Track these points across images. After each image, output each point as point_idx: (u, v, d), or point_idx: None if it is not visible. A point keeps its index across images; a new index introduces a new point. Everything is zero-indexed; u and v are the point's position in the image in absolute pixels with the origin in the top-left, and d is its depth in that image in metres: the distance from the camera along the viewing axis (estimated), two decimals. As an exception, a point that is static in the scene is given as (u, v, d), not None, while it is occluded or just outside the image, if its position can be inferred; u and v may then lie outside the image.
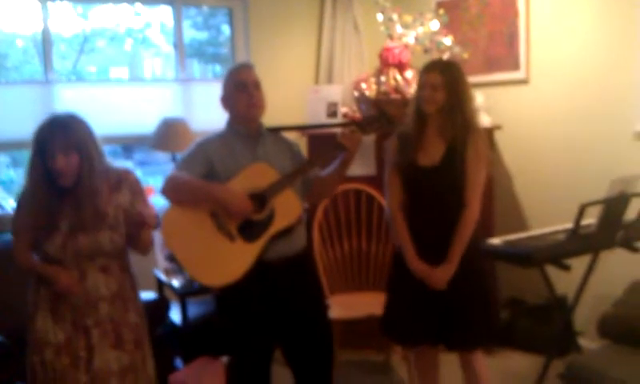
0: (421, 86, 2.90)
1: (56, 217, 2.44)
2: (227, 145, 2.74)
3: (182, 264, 2.69)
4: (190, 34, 5.37)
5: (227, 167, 2.68)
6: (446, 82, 2.84)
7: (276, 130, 2.94)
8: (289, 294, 2.75)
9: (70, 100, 4.37)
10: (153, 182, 5.00)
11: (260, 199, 2.64)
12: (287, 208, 2.68)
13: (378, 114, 2.84)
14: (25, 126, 4.16)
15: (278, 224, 2.65)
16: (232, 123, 2.81)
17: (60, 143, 2.38)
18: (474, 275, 2.92)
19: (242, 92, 2.73)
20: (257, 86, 2.77)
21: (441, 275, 2.85)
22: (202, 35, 5.90)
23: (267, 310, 2.73)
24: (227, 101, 2.81)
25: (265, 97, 2.80)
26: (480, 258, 3.00)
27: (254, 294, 2.69)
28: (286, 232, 2.69)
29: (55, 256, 2.44)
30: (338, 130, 3.05)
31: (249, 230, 2.63)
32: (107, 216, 2.48)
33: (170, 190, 2.67)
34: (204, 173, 2.68)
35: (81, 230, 2.44)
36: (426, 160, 2.90)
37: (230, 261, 2.62)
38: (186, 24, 5.02)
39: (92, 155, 2.44)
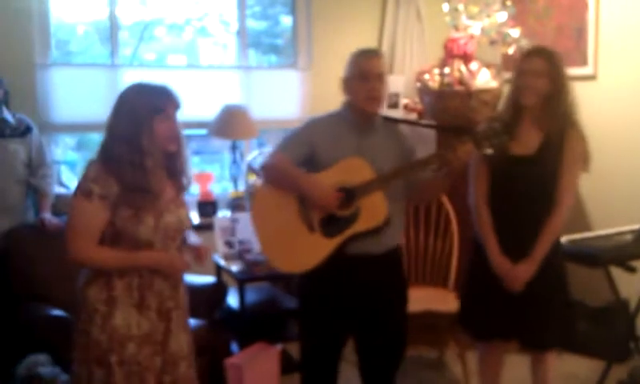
0: (521, 72, 2.74)
1: (155, 193, 2.31)
2: (334, 130, 2.68)
3: (260, 243, 2.73)
4: (248, 23, 5.40)
5: (329, 154, 2.63)
6: (550, 69, 2.69)
7: (392, 122, 2.85)
8: (371, 290, 2.70)
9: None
10: (209, 169, 5.05)
11: (348, 196, 2.58)
12: (372, 211, 2.59)
13: (500, 128, 2.55)
14: (90, 109, 4.32)
15: (360, 225, 2.59)
16: (346, 108, 2.72)
17: (176, 106, 2.34)
18: (555, 274, 2.82)
19: (363, 82, 2.60)
20: (380, 77, 2.63)
21: (521, 273, 2.74)
22: (261, 25, 5.92)
23: (343, 302, 2.69)
24: (347, 85, 2.69)
25: (386, 88, 2.68)
26: (561, 258, 2.89)
27: (334, 285, 2.66)
28: (370, 234, 2.60)
29: (147, 239, 2.30)
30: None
31: (330, 224, 2.60)
32: (188, 181, 2.49)
33: (267, 170, 2.72)
34: (305, 155, 2.66)
35: (166, 208, 2.35)
36: (519, 149, 2.75)
37: (304, 251, 2.61)
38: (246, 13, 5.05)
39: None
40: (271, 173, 2.71)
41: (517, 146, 2.74)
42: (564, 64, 2.78)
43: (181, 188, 2.47)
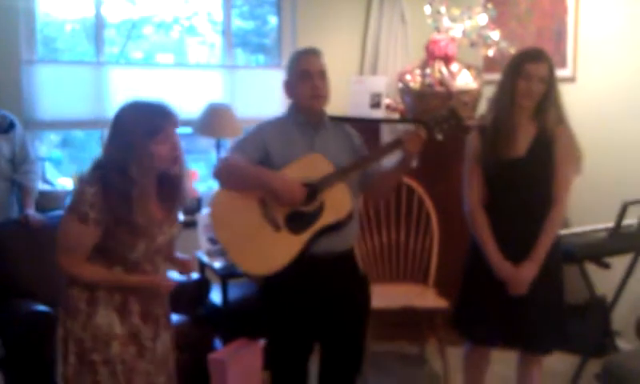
0: (527, 76, 2.69)
1: (142, 218, 2.27)
2: (285, 132, 2.67)
3: (225, 248, 2.65)
4: (236, 23, 5.44)
5: (282, 155, 2.61)
6: (550, 73, 2.70)
7: (339, 120, 2.83)
8: (333, 291, 2.68)
9: (119, 83, 4.48)
10: (195, 167, 5.08)
11: (311, 191, 2.56)
12: (337, 203, 2.57)
13: (448, 114, 2.60)
14: (75, 107, 4.35)
15: (326, 218, 2.56)
16: (293, 110, 2.72)
17: (176, 125, 2.28)
18: (553, 277, 2.82)
19: (305, 81, 2.61)
20: (322, 75, 2.63)
21: (525, 275, 2.73)
22: (248, 25, 5.95)
23: (310, 305, 2.66)
24: (290, 87, 2.70)
25: (328, 85, 2.67)
26: (559, 260, 2.89)
27: (299, 288, 2.63)
28: (336, 227, 2.58)
29: (136, 260, 2.32)
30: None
31: (296, 221, 2.56)
32: (183, 202, 2.49)
33: (223, 173, 2.64)
34: (259, 158, 2.62)
35: (158, 229, 2.34)
36: (511, 152, 2.76)
37: (273, 251, 2.55)
38: (233, 13, 5.09)
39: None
40: (229, 174, 2.63)
41: (509, 148, 2.76)
42: None
43: (175, 207, 2.44)
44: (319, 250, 2.59)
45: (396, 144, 2.59)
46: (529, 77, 2.70)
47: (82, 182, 2.27)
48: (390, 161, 2.68)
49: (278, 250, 2.55)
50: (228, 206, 2.63)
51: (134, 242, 2.27)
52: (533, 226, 2.75)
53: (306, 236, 2.56)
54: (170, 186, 2.39)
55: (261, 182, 2.57)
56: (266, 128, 2.71)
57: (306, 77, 2.62)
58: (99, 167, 2.26)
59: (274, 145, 2.64)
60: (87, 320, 2.29)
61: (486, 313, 2.87)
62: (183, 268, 2.59)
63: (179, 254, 2.61)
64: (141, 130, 2.21)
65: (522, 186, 2.77)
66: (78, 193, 2.24)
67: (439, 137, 2.58)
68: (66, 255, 2.28)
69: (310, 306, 2.67)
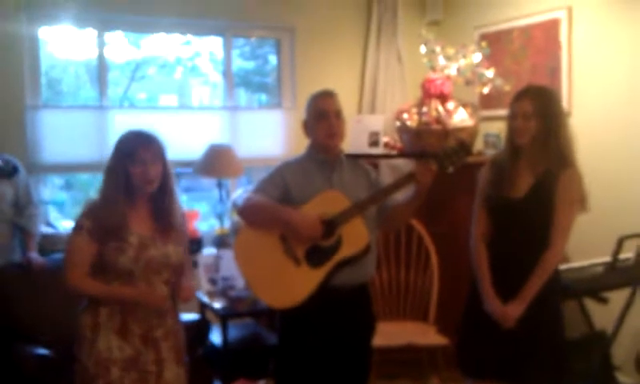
0: (512, 115, 2.76)
1: (127, 228, 2.47)
2: (304, 170, 2.81)
3: (248, 283, 2.82)
4: (237, 63, 5.53)
5: (302, 192, 2.74)
6: (539, 109, 2.70)
7: (354, 157, 2.98)
8: (347, 324, 2.78)
9: (121, 125, 4.52)
10: (198, 207, 5.13)
11: (329, 226, 2.67)
12: (354, 237, 2.69)
13: (458, 146, 2.69)
14: (78, 150, 4.41)
15: (344, 252, 2.67)
16: (311, 149, 2.86)
17: (153, 151, 2.49)
18: (547, 318, 2.81)
19: (322, 121, 2.77)
20: (338, 114, 2.80)
21: (511, 312, 2.74)
22: (249, 65, 6.05)
23: (326, 338, 2.75)
24: (308, 127, 2.85)
25: (344, 124, 2.84)
26: (555, 301, 2.87)
27: (318, 320, 2.72)
28: (354, 260, 2.70)
29: (127, 269, 2.45)
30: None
31: (315, 255, 2.68)
32: (175, 230, 2.58)
33: (246, 211, 2.78)
34: (280, 196, 2.75)
35: (151, 243, 2.50)
36: (512, 192, 2.78)
37: (294, 285, 2.68)
38: (234, 54, 5.17)
39: (170, 167, 2.57)
40: (251, 213, 2.77)
41: (511, 188, 2.79)
42: (557, 101, 2.82)
43: (168, 226, 2.56)
44: (337, 282, 2.70)
45: (409, 178, 2.70)
46: (514, 115, 2.76)
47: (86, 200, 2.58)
48: (405, 195, 2.80)
49: (298, 284, 2.68)
50: (251, 242, 2.78)
51: (123, 247, 2.44)
52: (528, 266, 2.76)
53: (325, 269, 2.68)
54: (162, 209, 2.55)
55: (281, 219, 2.69)
56: (286, 167, 2.85)
57: (322, 117, 2.77)
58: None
59: (294, 183, 2.77)
60: (91, 347, 2.45)
61: (482, 348, 2.88)
62: (181, 292, 2.64)
63: (185, 280, 2.69)
64: (121, 153, 2.50)
65: (518, 226, 2.79)
66: (79, 214, 2.52)
67: (450, 169, 2.67)
68: (68, 271, 2.47)
69: (325, 340, 2.75)
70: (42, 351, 3.35)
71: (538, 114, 2.71)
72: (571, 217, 2.78)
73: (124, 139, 2.53)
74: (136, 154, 2.46)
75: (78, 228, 2.46)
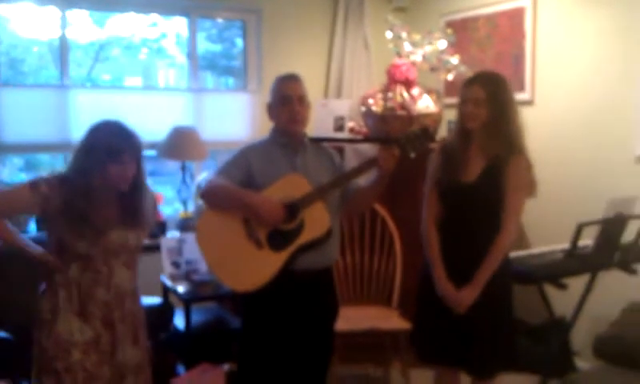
0: (463, 100, 2.79)
1: (90, 214, 2.41)
2: (268, 153, 2.80)
3: (209, 266, 2.81)
4: (204, 45, 5.47)
5: (265, 176, 2.74)
6: (489, 95, 2.73)
7: (319, 141, 2.99)
8: (311, 308, 2.80)
9: (84, 106, 4.47)
10: (162, 190, 5.08)
11: (291, 210, 2.68)
12: (316, 221, 2.70)
13: (420, 132, 2.69)
14: (39, 130, 4.33)
15: (306, 236, 2.69)
16: (274, 132, 2.86)
17: (133, 151, 2.44)
18: (499, 301, 2.85)
19: (285, 105, 2.76)
20: (301, 100, 2.79)
21: (464, 298, 2.77)
22: (216, 48, 5.99)
23: (290, 324, 2.77)
24: (271, 111, 2.85)
25: (308, 109, 2.83)
26: (507, 284, 2.90)
27: (280, 303, 2.74)
28: (316, 244, 2.71)
29: (85, 253, 2.42)
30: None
31: (277, 239, 2.69)
32: (143, 220, 2.56)
33: (208, 194, 2.77)
34: (243, 179, 2.74)
35: (111, 228, 2.45)
36: (464, 176, 2.81)
37: (255, 268, 2.68)
38: (201, 36, 5.12)
39: (144, 164, 2.52)
40: (214, 196, 2.76)
41: (463, 172, 2.82)
42: (508, 89, 2.82)
43: (135, 221, 2.52)
44: (299, 267, 2.71)
45: (371, 163, 2.71)
46: (464, 100, 2.79)
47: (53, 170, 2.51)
48: (368, 179, 2.81)
49: (259, 267, 2.68)
50: (213, 226, 2.76)
51: (83, 233, 2.39)
52: (479, 250, 2.79)
53: (287, 253, 2.69)
54: (130, 205, 2.50)
55: (243, 202, 2.68)
56: (250, 150, 2.83)
57: (285, 101, 2.76)
58: (68, 168, 2.48)
59: (257, 166, 2.77)
60: (50, 329, 2.41)
61: (434, 333, 2.91)
62: None
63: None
64: (103, 149, 2.39)
65: (469, 211, 2.82)
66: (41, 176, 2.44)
67: (412, 155, 2.68)
68: None
69: (288, 323, 2.76)
70: (2, 334, 3.31)
71: (489, 100, 2.74)
72: (521, 202, 2.82)
73: (107, 133, 2.44)
74: (120, 156, 2.40)
75: (33, 184, 2.38)
